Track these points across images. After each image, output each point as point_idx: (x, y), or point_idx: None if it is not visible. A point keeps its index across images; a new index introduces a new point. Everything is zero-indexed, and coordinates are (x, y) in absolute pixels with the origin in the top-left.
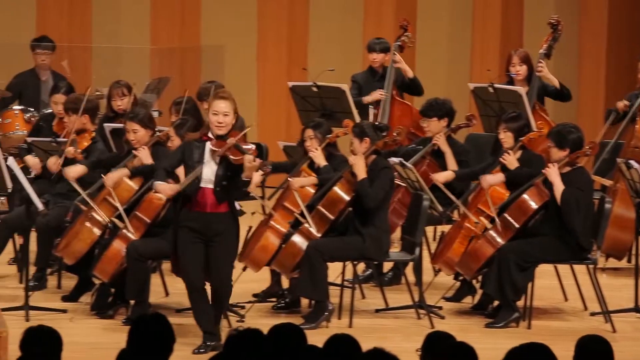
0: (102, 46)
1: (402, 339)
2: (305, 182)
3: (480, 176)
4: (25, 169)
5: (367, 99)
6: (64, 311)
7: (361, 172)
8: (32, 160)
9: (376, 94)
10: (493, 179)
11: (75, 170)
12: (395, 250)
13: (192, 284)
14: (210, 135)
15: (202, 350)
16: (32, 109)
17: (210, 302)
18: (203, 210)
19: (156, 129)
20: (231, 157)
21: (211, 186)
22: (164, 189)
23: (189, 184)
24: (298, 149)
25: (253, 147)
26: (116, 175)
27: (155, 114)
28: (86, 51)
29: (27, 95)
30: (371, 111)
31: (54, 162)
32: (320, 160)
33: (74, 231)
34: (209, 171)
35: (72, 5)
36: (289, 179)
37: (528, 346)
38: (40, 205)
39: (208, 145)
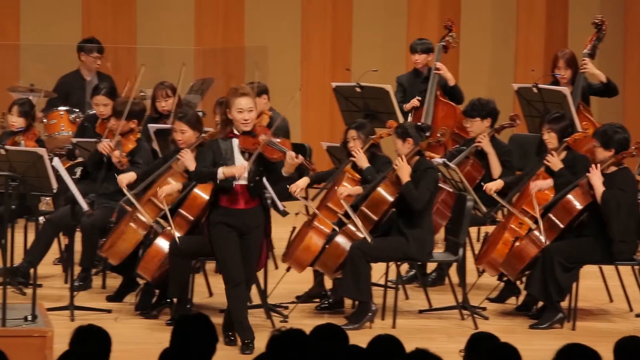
0: (146, 47)
1: (446, 340)
2: (352, 192)
3: (529, 181)
4: (71, 170)
5: (407, 106)
6: (109, 311)
7: (405, 176)
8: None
9: (414, 101)
10: (543, 184)
11: (126, 177)
12: (439, 250)
13: (233, 280)
14: (235, 132)
15: (247, 352)
16: (77, 110)
17: None
18: (237, 207)
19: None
20: (267, 155)
21: (244, 182)
22: (238, 170)
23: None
24: (341, 150)
25: (282, 140)
26: (169, 189)
27: None
28: (130, 52)
29: (73, 96)
30: (409, 118)
31: (117, 156)
32: (363, 162)
33: (119, 231)
34: None
35: (117, 7)
36: (336, 188)
37: (579, 348)
38: (85, 206)
39: (235, 142)
